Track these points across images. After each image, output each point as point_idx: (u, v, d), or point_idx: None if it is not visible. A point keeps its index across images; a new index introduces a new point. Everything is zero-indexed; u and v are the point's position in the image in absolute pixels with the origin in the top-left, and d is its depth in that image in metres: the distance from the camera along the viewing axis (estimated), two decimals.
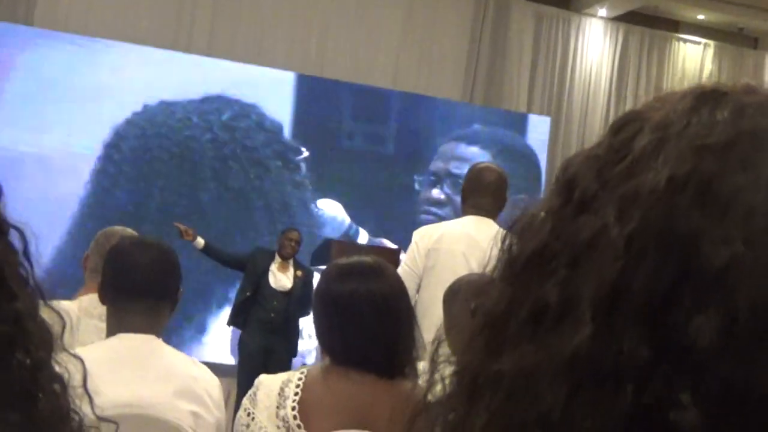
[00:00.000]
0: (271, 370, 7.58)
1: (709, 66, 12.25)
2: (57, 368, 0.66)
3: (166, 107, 9.76)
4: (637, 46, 11.98)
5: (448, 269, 4.18)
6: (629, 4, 11.47)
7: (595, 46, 11.81)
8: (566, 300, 0.56)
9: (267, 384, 2.58)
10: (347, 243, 8.71)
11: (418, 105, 10.77)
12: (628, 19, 11.84)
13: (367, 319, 2.52)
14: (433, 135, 10.73)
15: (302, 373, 2.58)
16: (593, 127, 11.62)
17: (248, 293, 8.02)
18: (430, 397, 0.64)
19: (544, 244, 0.60)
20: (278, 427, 2.47)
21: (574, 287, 0.56)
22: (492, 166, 4.73)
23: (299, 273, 8.13)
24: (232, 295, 8.69)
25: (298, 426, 2.46)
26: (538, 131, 11.09)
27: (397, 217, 10.09)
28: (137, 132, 9.70)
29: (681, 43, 12.26)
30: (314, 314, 2.66)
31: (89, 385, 2.46)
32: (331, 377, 2.52)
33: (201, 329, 9.60)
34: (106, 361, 2.51)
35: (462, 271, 4.15)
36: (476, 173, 4.54)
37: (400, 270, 4.46)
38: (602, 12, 11.70)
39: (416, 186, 10.56)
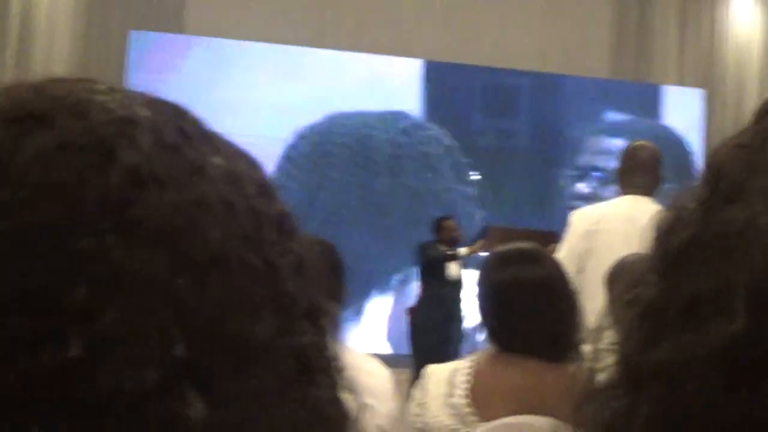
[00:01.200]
0: (445, 359, 7.68)
1: None
2: None
3: (341, 117, 10.07)
4: None
5: (608, 250, 4.17)
6: None
7: (745, 15, 11.47)
8: (719, 291, 0.59)
9: (437, 373, 2.64)
10: (504, 227, 8.71)
11: (557, 88, 10.69)
12: None
13: (530, 305, 2.55)
14: (575, 120, 10.64)
15: (470, 361, 2.63)
16: (749, 97, 11.30)
17: (428, 288, 8.18)
18: (594, 383, 0.68)
19: (694, 236, 0.63)
20: (450, 415, 2.53)
21: (726, 278, 0.59)
22: (646, 143, 4.68)
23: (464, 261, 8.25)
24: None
25: (471, 413, 2.51)
26: (690, 105, 10.84)
27: (546, 215, 10.08)
28: (313, 134, 10.02)
29: None
30: (478, 302, 2.71)
31: None
32: (498, 364, 2.57)
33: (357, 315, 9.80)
34: None
35: (622, 252, 4.14)
36: (631, 152, 4.52)
37: (560, 252, 4.48)
38: None
39: (559, 181, 10.50)
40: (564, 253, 4.38)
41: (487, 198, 10.22)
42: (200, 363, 0.54)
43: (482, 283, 2.68)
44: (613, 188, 4.61)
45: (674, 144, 10.70)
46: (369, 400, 2.59)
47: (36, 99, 0.58)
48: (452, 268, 8.18)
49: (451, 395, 2.55)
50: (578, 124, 10.67)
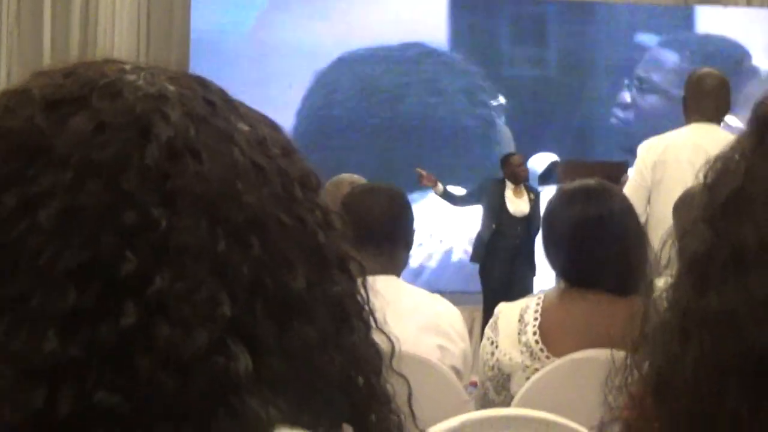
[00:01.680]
0: (516, 296, 7.71)
1: None
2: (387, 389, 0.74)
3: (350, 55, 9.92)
4: None
5: (677, 180, 4.15)
6: None
7: None
8: (763, 242, 0.61)
9: (507, 312, 2.68)
10: (574, 161, 8.66)
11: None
12: None
13: (597, 241, 2.57)
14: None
15: (539, 298, 2.66)
16: None
17: (493, 226, 8.17)
18: (650, 325, 0.70)
19: (740, 187, 0.65)
20: (521, 352, 2.57)
21: None
22: (712, 71, 4.63)
23: (532, 196, 8.20)
24: None
25: (541, 350, 2.55)
26: (705, 23, 10.55)
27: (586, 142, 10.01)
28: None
29: None
30: (544, 240, 2.73)
31: None
32: (567, 300, 2.59)
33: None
34: None
35: (690, 181, 4.10)
36: (696, 80, 4.48)
37: (628, 185, 4.47)
38: None
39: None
40: (633, 185, 4.38)
41: (517, 126, 10.02)
42: (245, 320, 0.59)
43: (549, 221, 2.70)
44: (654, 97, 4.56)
45: (727, 48, 10.47)
46: (441, 341, 2.64)
47: (70, 83, 0.62)
48: (517, 204, 8.16)
49: (521, 332, 2.59)
50: (610, 50, 10.42)
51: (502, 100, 9.98)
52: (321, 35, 9.70)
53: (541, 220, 2.76)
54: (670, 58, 10.29)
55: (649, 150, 4.39)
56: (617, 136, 10.05)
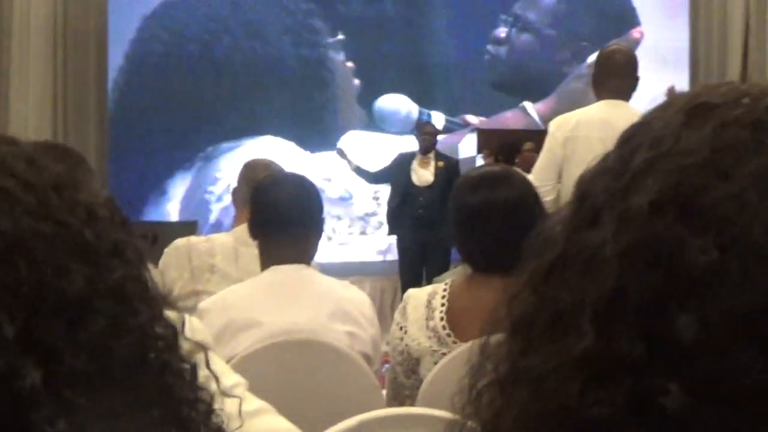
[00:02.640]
0: (431, 263, 7.84)
1: None
2: (183, 364, 0.78)
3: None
4: None
5: (587, 155, 4.18)
6: None
7: None
8: (576, 305, 0.66)
9: (415, 297, 2.72)
10: (493, 130, 8.74)
11: None
12: None
13: (501, 227, 2.61)
14: None
15: (446, 284, 2.71)
16: None
17: (398, 199, 8.25)
18: (480, 379, 0.75)
19: (560, 255, 0.70)
20: (429, 338, 2.62)
21: (581, 294, 0.66)
22: (621, 47, 4.72)
23: (440, 164, 8.26)
24: None
25: (448, 335, 2.60)
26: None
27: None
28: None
29: None
30: (452, 226, 2.78)
31: (251, 315, 2.65)
32: (473, 285, 2.64)
33: None
34: (262, 293, 2.71)
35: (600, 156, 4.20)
36: (605, 57, 4.55)
37: (539, 161, 4.54)
38: None
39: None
40: (544, 161, 4.45)
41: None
42: (31, 333, 0.63)
43: (454, 207, 2.74)
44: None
45: (622, 6, 10.62)
46: (351, 328, 2.69)
47: None
48: (421, 174, 8.26)
49: (429, 318, 2.64)
50: None
51: (341, 36, 9.92)
52: None
53: (449, 207, 2.80)
54: None
55: (559, 126, 4.45)
56: (489, 72, 10.19)
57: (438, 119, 9.88)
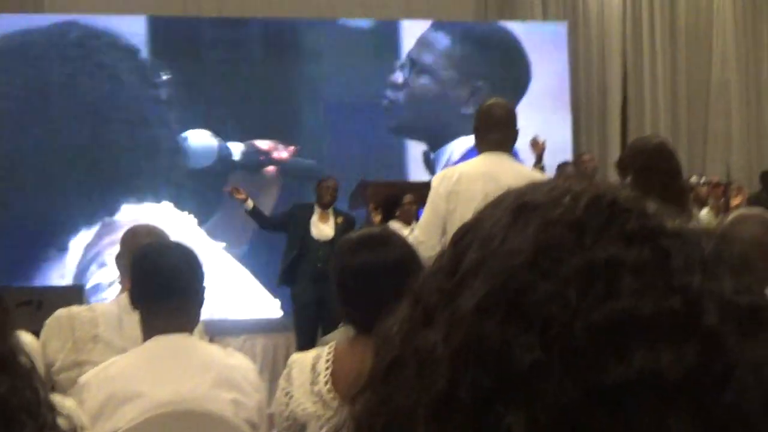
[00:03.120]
0: (326, 320, 7.81)
1: None
2: None
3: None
4: None
5: (470, 210, 4.23)
6: None
7: None
8: (411, 407, 0.67)
9: (300, 362, 2.72)
10: (378, 183, 8.78)
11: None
12: None
13: (382, 288, 2.63)
14: None
15: (330, 347, 2.72)
16: (611, 26, 11.55)
17: (295, 251, 8.23)
18: None
19: (398, 356, 0.71)
20: (314, 402, 2.62)
21: (416, 396, 0.67)
22: (500, 101, 4.80)
23: (339, 220, 8.29)
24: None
25: (333, 398, 2.60)
26: (556, 39, 11.00)
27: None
28: None
29: None
30: (334, 288, 2.79)
31: (134, 387, 2.61)
32: (356, 347, 2.65)
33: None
34: (144, 364, 2.68)
35: None
36: (486, 110, 4.62)
37: (423, 215, 4.58)
38: None
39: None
40: (428, 216, 4.49)
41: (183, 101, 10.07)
42: None
43: (336, 270, 2.75)
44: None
45: (512, 46, 10.88)
46: (235, 396, 2.67)
47: None
48: (321, 228, 8.27)
49: (314, 383, 2.64)
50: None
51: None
52: None
53: (330, 270, 2.81)
54: (442, 41, 10.61)
55: (442, 181, 4.50)
56: (388, 118, 10.36)
57: (236, 148, 10.04)
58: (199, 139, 9.94)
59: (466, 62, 10.59)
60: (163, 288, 2.75)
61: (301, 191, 9.48)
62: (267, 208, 9.27)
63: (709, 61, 11.97)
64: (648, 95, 11.65)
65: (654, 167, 4.11)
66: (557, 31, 11.05)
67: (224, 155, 9.97)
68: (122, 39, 9.82)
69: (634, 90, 11.69)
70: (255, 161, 10.02)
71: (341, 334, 2.98)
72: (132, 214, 9.22)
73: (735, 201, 8.42)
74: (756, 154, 11.78)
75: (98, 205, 9.55)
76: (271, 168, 10.03)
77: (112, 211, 9.54)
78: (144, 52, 9.93)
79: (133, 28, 9.83)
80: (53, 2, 10.11)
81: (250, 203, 8.52)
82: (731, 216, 3.31)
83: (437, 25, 10.63)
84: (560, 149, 9.84)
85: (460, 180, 4.44)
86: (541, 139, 8.17)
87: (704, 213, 8.51)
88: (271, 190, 9.92)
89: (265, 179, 9.98)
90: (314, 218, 8.29)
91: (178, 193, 9.73)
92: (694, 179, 9.20)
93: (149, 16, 10.07)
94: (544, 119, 10.00)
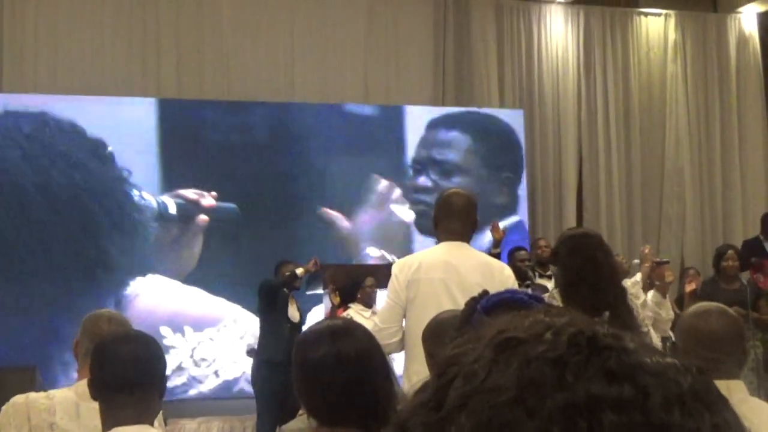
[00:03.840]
0: (288, 408, 7.71)
1: (672, 35, 12.40)
2: None
3: None
4: (599, 27, 12.11)
5: (430, 298, 4.33)
6: None
7: (558, 33, 11.95)
8: None
9: None
10: (339, 266, 8.81)
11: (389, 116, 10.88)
12: (587, 0, 11.97)
13: (343, 380, 2.64)
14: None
15: None
16: (566, 113, 11.75)
17: (279, 330, 8.14)
18: None
19: None
20: None
21: None
22: (460, 190, 4.85)
23: (298, 305, 8.32)
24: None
25: None
26: (513, 125, 11.17)
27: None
28: None
29: (642, 17, 12.41)
30: (294, 380, 2.78)
31: None
32: None
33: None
34: None
35: (443, 298, 4.29)
36: (445, 200, 4.67)
37: (384, 304, 4.60)
38: None
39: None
40: (389, 304, 4.51)
41: None
42: None
43: (297, 363, 2.75)
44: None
45: (507, 132, 11.05)
46: None
47: None
48: (291, 311, 8.22)
49: None
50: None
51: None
52: None
53: (292, 362, 2.81)
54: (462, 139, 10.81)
55: (402, 268, 4.53)
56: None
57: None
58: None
59: (484, 153, 10.84)
60: (123, 379, 2.74)
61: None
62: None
63: (662, 147, 12.20)
64: (603, 180, 11.82)
65: (583, 250, 4.15)
66: (514, 117, 11.21)
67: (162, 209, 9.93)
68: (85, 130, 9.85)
69: (589, 175, 11.86)
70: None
71: (302, 424, 2.97)
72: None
73: (689, 287, 8.48)
74: (710, 238, 11.94)
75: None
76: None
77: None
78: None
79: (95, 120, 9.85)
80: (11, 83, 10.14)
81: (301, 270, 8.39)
82: (692, 308, 3.34)
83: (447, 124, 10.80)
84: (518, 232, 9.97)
85: (420, 268, 4.47)
86: (501, 225, 8.24)
87: (650, 295, 8.57)
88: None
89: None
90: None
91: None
92: (636, 261, 9.28)
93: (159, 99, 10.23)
94: (498, 203, 10.18)
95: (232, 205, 9.92)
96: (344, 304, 7.85)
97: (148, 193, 9.77)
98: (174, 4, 10.60)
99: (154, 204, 9.77)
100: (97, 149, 9.74)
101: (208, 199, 9.88)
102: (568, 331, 0.72)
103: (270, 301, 8.18)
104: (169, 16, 10.58)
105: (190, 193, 9.88)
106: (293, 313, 8.21)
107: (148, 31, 10.52)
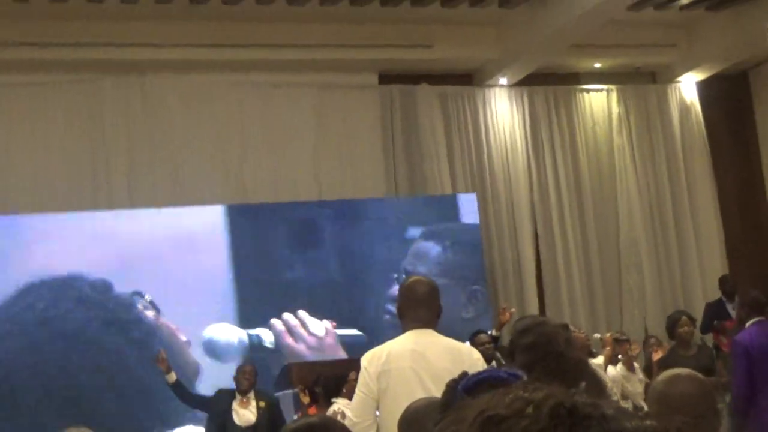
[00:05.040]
0: None
1: (615, 108, 12.63)
2: None
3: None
4: (544, 106, 12.32)
5: (402, 387, 4.32)
6: (528, 68, 11.80)
7: (503, 114, 12.13)
8: None
9: None
10: (305, 364, 8.77)
11: (346, 212, 10.93)
12: (530, 81, 12.18)
13: None
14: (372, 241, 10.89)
15: None
16: (519, 193, 11.89)
17: None
18: None
19: None
20: None
21: None
22: (422, 278, 4.86)
23: (262, 403, 8.22)
24: None
25: None
26: (467, 210, 11.26)
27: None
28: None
29: (585, 93, 12.65)
30: None
31: None
32: None
33: None
34: None
35: (415, 387, 4.28)
36: (408, 288, 4.67)
37: (355, 397, 4.59)
38: (503, 80, 12.02)
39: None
40: (361, 396, 4.49)
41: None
42: None
43: None
44: None
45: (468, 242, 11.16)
46: None
47: None
48: (242, 414, 8.17)
49: None
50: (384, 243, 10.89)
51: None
52: None
53: None
54: (433, 249, 10.79)
55: (371, 361, 4.52)
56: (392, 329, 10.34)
57: (267, 336, 9.97)
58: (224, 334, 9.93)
59: (457, 268, 10.90)
60: None
61: None
62: None
63: (616, 218, 12.35)
64: (561, 255, 11.93)
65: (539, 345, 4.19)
66: (468, 202, 11.32)
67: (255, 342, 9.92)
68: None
69: (546, 251, 11.96)
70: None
71: None
72: None
73: (656, 356, 8.54)
74: (671, 305, 12.03)
75: None
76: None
77: None
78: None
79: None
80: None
81: (173, 376, 8.41)
82: (661, 376, 3.38)
83: (428, 234, 10.86)
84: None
85: (389, 359, 4.46)
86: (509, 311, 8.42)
87: (618, 369, 8.62)
88: None
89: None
90: (235, 404, 8.20)
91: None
92: (596, 335, 9.38)
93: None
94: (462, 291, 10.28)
95: None
96: (328, 399, 7.81)
97: None
98: (123, 113, 10.64)
99: None
100: None
101: None
102: (549, 404, 0.74)
103: (201, 408, 8.32)
104: (118, 127, 10.63)
105: None
106: (244, 416, 8.15)
107: (96, 145, 10.55)
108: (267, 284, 10.26)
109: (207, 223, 10.28)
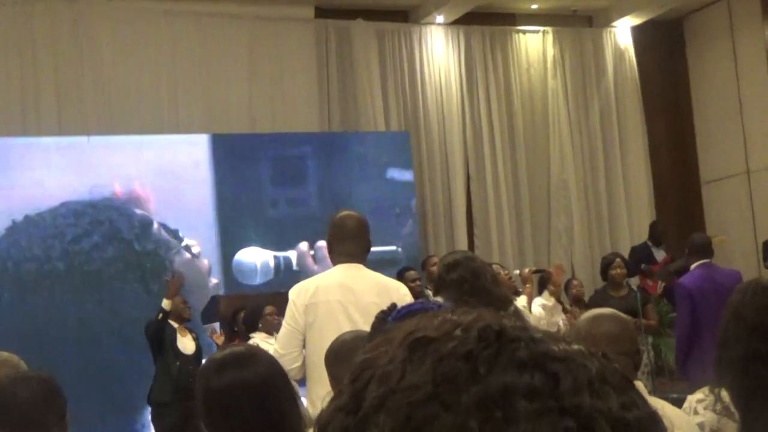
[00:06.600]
0: None
1: (551, 51, 12.65)
2: None
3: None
4: (480, 46, 12.29)
5: (329, 320, 4.33)
6: (465, 6, 11.76)
7: (439, 53, 12.09)
8: None
9: None
10: (233, 295, 8.74)
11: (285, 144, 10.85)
12: (467, 20, 12.14)
13: (249, 407, 2.63)
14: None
15: None
16: (452, 132, 11.90)
17: (171, 365, 8.00)
18: None
19: None
20: None
21: None
22: (352, 213, 4.86)
23: (194, 335, 8.21)
24: None
25: None
26: (400, 147, 11.25)
27: None
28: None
29: (521, 34, 12.64)
30: (199, 410, 2.75)
31: None
32: None
33: None
34: None
35: (342, 320, 4.30)
36: (338, 222, 4.68)
37: (282, 330, 4.59)
38: (440, 18, 11.98)
39: None
40: (288, 329, 4.50)
41: None
42: None
43: (201, 390, 2.73)
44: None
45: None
46: None
47: None
48: (183, 343, 8.10)
49: None
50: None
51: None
52: None
53: (196, 391, 2.78)
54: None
55: (299, 293, 4.52)
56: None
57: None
58: (253, 257, 9.83)
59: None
60: (19, 422, 2.68)
61: None
62: None
63: (548, 161, 12.43)
64: (492, 196, 11.98)
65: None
66: (400, 139, 11.31)
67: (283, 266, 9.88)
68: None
69: (477, 192, 12.01)
70: None
71: None
72: None
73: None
74: (598, 248, 12.18)
75: None
76: None
77: None
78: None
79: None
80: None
81: (169, 305, 8.11)
82: (585, 315, 3.43)
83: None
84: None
85: (318, 292, 4.47)
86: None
87: (543, 297, 8.77)
88: None
89: None
90: (178, 334, 8.12)
91: None
92: (516, 272, 9.47)
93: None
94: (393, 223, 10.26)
95: None
96: (246, 334, 7.78)
97: None
98: (51, 41, 10.43)
99: None
100: None
101: None
102: (477, 326, 0.74)
103: (156, 342, 8.06)
104: (48, 55, 10.41)
105: None
106: (186, 344, 8.09)
107: (26, 71, 10.34)
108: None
109: (138, 154, 10.13)
